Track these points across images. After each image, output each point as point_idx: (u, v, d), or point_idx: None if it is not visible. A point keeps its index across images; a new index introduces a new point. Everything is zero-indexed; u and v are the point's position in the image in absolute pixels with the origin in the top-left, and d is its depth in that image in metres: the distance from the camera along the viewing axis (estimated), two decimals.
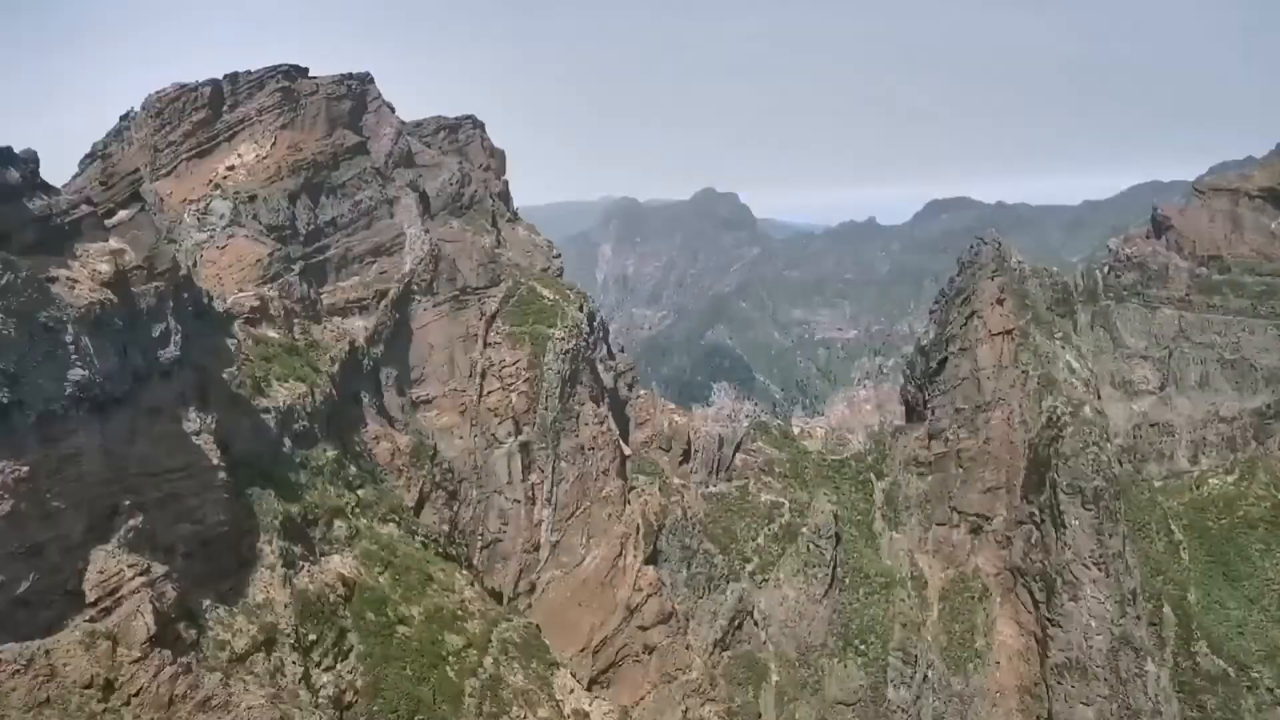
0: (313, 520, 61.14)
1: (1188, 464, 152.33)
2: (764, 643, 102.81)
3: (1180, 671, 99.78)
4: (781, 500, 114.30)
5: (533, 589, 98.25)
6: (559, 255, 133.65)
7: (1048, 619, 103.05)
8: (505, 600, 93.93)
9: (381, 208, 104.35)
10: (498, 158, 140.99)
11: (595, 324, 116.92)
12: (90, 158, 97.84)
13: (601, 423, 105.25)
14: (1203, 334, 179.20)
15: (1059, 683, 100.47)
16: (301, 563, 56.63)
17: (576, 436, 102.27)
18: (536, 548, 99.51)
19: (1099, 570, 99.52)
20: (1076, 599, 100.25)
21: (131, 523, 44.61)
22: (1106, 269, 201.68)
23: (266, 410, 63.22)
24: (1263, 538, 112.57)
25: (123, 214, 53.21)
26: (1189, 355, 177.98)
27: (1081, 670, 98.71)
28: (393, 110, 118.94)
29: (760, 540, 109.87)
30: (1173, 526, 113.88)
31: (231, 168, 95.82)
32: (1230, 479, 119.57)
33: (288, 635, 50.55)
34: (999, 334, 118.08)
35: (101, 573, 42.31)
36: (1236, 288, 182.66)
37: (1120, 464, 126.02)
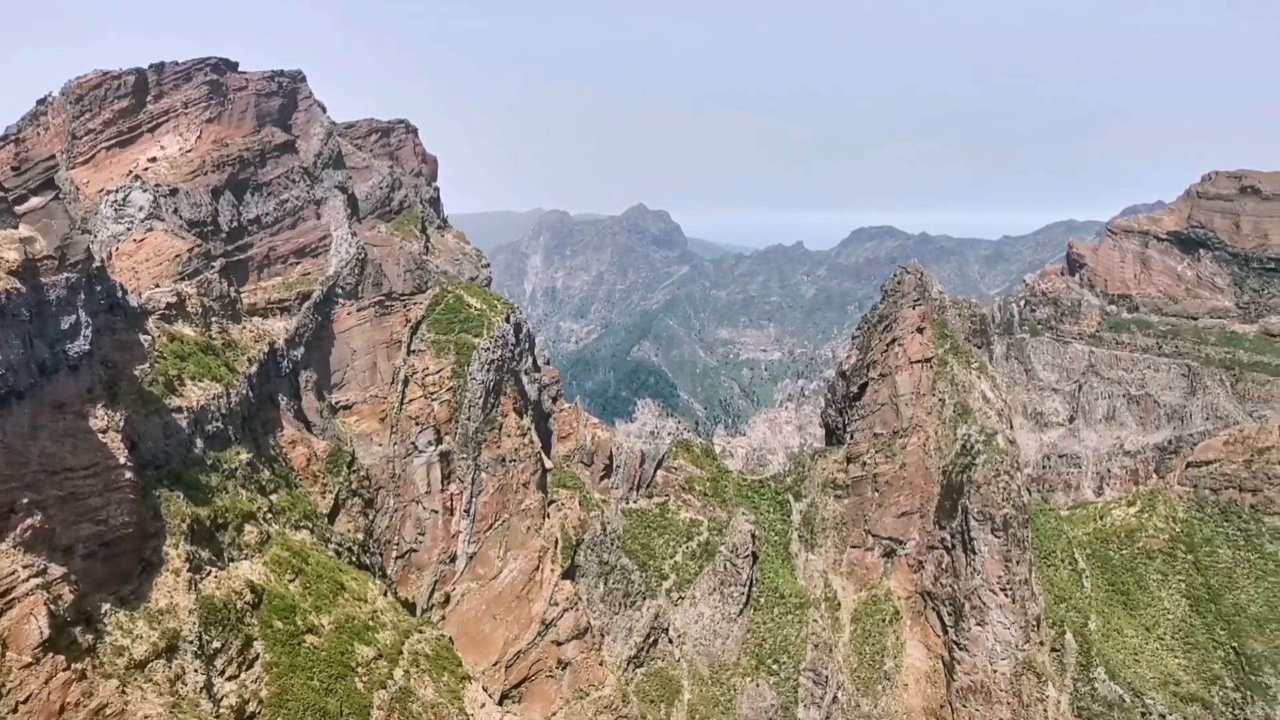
0: (222, 524, 59.47)
1: (1093, 494, 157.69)
2: (678, 660, 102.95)
3: (1079, 697, 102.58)
4: (701, 518, 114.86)
5: (447, 600, 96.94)
6: (488, 265, 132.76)
7: (955, 642, 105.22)
8: (419, 611, 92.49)
9: (308, 208, 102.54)
10: (430, 164, 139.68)
11: (522, 335, 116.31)
12: (2, 141, 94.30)
13: (524, 434, 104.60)
14: (1111, 369, 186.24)
15: (963, 705, 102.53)
16: (208, 568, 55.01)
17: (498, 447, 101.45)
18: (453, 559, 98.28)
19: (1005, 596, 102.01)
20: (983, 624, 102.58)
21: (29, 521, 42.85)
22: (1023, 303, 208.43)
23: (179, 410, 61.42)
24: (1160, 568, 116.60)
25: (35, 201, 51.29)
26: (1097, 390, 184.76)
27: (986, 693, 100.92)
28: (324, 110, 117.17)
29: (678, 558, 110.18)
30: (1076, 555, 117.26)
31: (153, 159, 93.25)
32: (1132, 510, 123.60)
33: (190, 642, 49.00)
34: (918, 361, 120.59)
35: None
36: (1144, 326, 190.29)
37: (1029, 493, 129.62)
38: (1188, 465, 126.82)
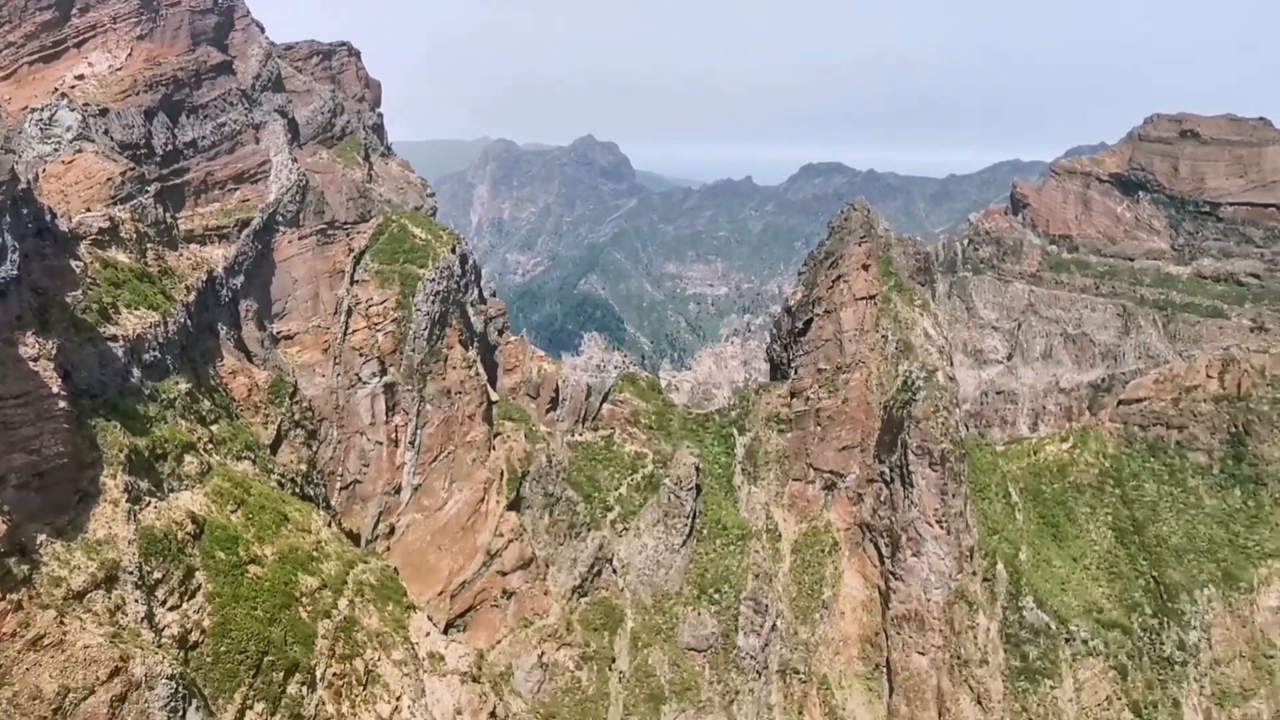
0: (161, 455, 58.61)
1: (1028, 430, 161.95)
2: (621, 590, 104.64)
3: (1008, 624, 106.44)
4: (645, 451, 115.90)
5: (392, 531, 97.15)
6: (433, 194, 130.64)
7: (891, 572, 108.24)
8: (363, 542, 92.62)
9: (246, 132, 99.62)
10: (373, 89, 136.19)
11: (468, 267, 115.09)
12: None
13: (470, 366, 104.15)
14: (1049, 309, 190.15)
15: (897, 633, 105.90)
16: (148, 498, 54.31)
17: (443, 379, 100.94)
18: (397, 490, 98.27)
19: (941, 528, 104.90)
20: (919, 554, 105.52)
21: None
22: (966, 241, 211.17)
23: (114, 339, 59.97)
24: (1089, 501, 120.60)
25: None
26: (1035, 328, 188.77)
27: (919, 621, 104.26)
28: (262, 30, 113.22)
29: (623, 490, 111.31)
30: (1010, 489, 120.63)
31: (81, 77, 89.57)
32: (1064, 446, 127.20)
33: (130, 573, 48.56)
34: (863, 298, 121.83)
35: None
36: (1082, 266, 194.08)
37: (967, 428, 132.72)
38: (1119, 403, 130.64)
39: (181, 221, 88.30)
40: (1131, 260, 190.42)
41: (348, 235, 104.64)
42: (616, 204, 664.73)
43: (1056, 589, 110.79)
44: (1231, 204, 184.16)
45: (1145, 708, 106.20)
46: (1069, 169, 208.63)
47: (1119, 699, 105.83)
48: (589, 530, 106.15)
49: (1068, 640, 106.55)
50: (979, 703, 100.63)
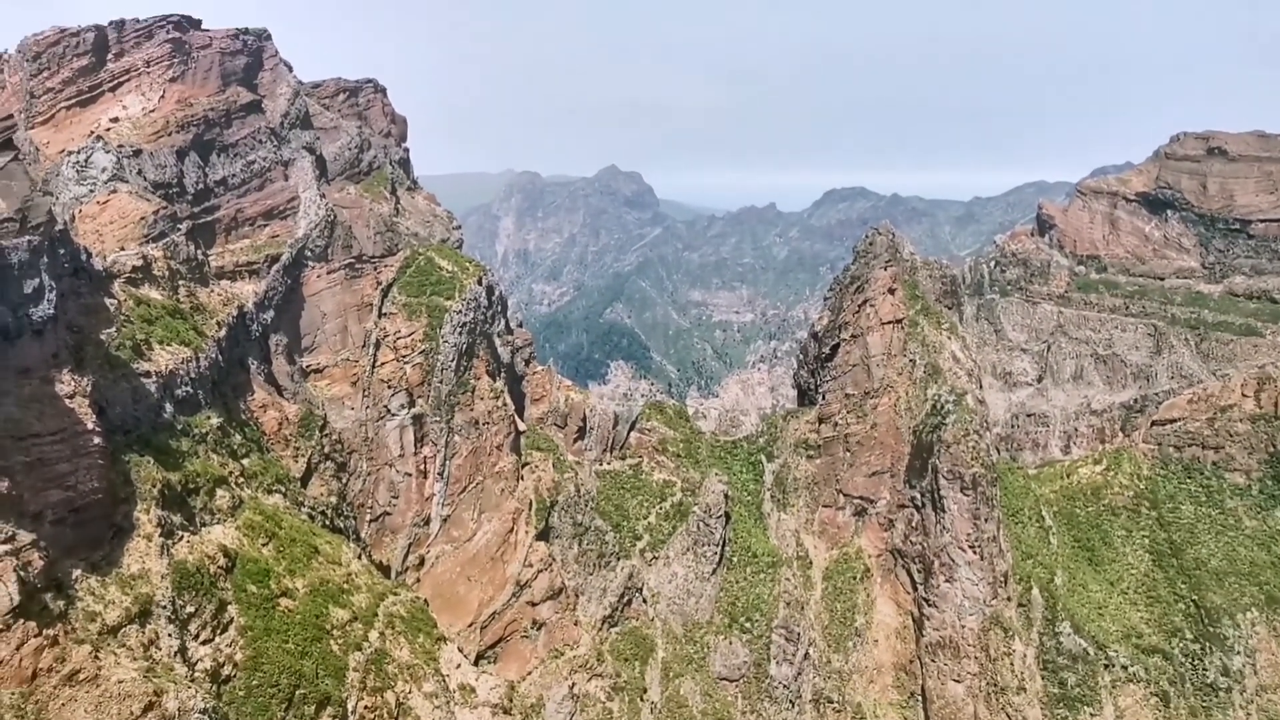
0: (194, 489, 59.15)
1: (1060, 453, 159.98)
2: (652, 619, 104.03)
3: (1045, 650, 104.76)
4: (674, 479, 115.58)
5: (421, 563, 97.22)
6: (459, 226, 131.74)
7: (924, 599, 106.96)
8: (393, 574, 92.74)
9: (275, 169, 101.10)
10: (399, 124, 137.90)
11: (494, 298, 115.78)
12: None
13: (497, 397, 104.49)
14: (1079, 329, 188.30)
15: (932, 660, 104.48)
16: (180, 532, 54.76)
17: (471, 410, 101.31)
18: (427, 521, 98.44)
19: (974, 553, 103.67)
20: (952, 580, 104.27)
21: None
22: (993, 263, 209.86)
23: (147, 374, 60.77)
24: (1125, 524, 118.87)
25: None
26: (1065, 350, 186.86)
27: (954, 648, 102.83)
28: (290, 69, 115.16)
29: (651, 518, 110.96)
30: (1044, 512, 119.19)
31: (115, 119, 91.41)
32: (1098, 468, 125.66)
33: (164, 607, 48.90)
34: (889, 322, 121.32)
35: None
36: (1111, 287, 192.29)
37: (998, 451, 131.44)
38: (1152, 424, 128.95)
39: (213, 258, 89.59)
40: (1161, 279, 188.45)
41: (375, 269, 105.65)
42: (641, 233, 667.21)
43: (1094, 614, 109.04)
44: (1262, 220, 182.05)
45: None
46: (1095, 189, 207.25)
47: None
48: (618, 559, 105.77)
49: (1107, 666, 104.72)
50: None
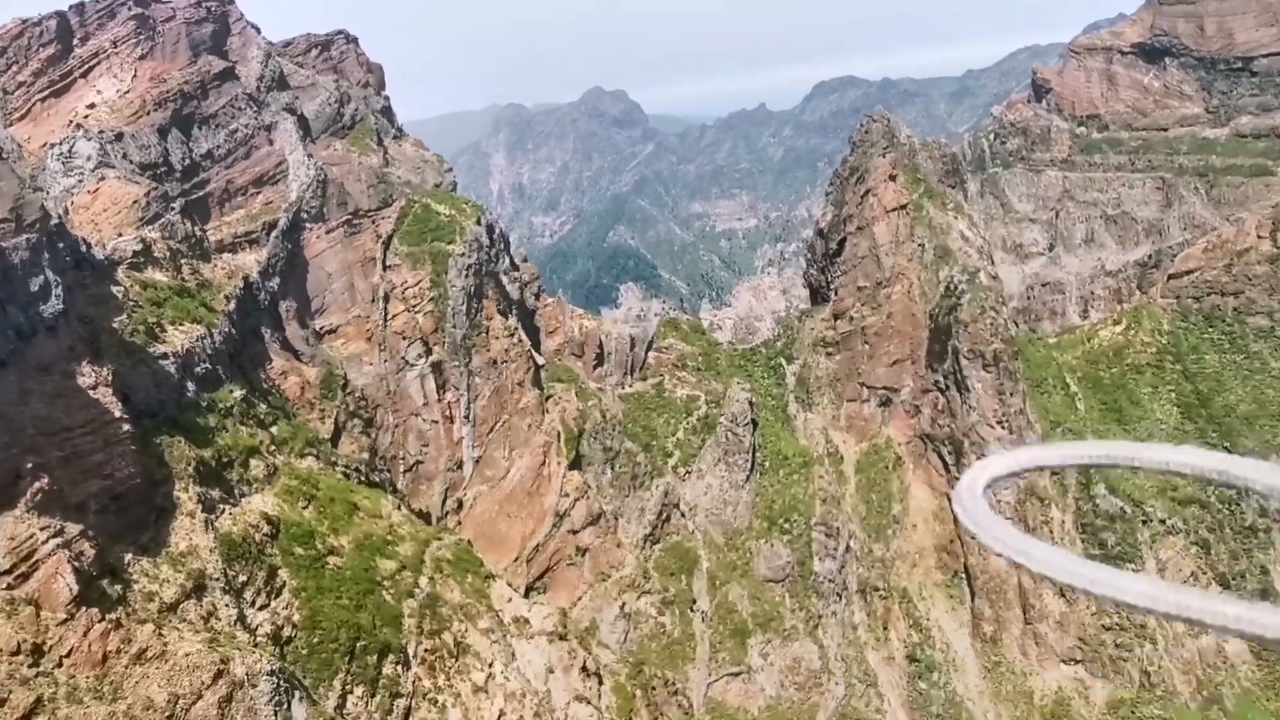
0: (227, 462, 60.04)
1: (1079, 319, 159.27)
2: (692, 532, 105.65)
3: (1082, 514, 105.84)
4: (697, 393, 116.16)
5: (460, 506, 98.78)
6: (450, 169, 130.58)
7: (958, 479, 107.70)
8: (434, 520, 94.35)
9: (259, 135, 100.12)
10: (376, 73, 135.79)
11: (495, 236, 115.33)
12: None
13: (511, 335, 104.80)
14: (1086, 192, 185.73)
15: (971, 538, 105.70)
16: (221, 506, 55.78)
17: (488, 351, 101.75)
18: (460, 465, 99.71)
19: (1002, 428, 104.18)
20: (984, 457, 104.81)
21: (36, 485, 43.15)
22: (992, 136, 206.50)
23: (164, 356, 61.22)
24: (1150, 381, 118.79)
25: None
26: (1074, 214, 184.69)
27: None
28: (258, 31, 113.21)
29: (680, 434, 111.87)
30: (1068, 379, 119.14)
31: (92, 105, 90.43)
32: (1118, 329, 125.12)
33: (216, 579, 50.08)
34: (894, 210, 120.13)
35: (12, 539, 41.04)
36: (1115, 144, 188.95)
37: (1016, 325, 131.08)
38: (1169, 278, 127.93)
39: (210, 232, 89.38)
40: (1165, 130, 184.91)
41: (373, 222, 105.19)
42: (633, 151, 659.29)
43: (1127, 473, 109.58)
44: (1265, 56, 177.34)
45: (1233, 579, 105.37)
46: (1089, 46, 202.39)
47: (1204, 573, 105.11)
48: (652, 479, 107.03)
49: (1145, 522, 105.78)
50: (1062, 595, 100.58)
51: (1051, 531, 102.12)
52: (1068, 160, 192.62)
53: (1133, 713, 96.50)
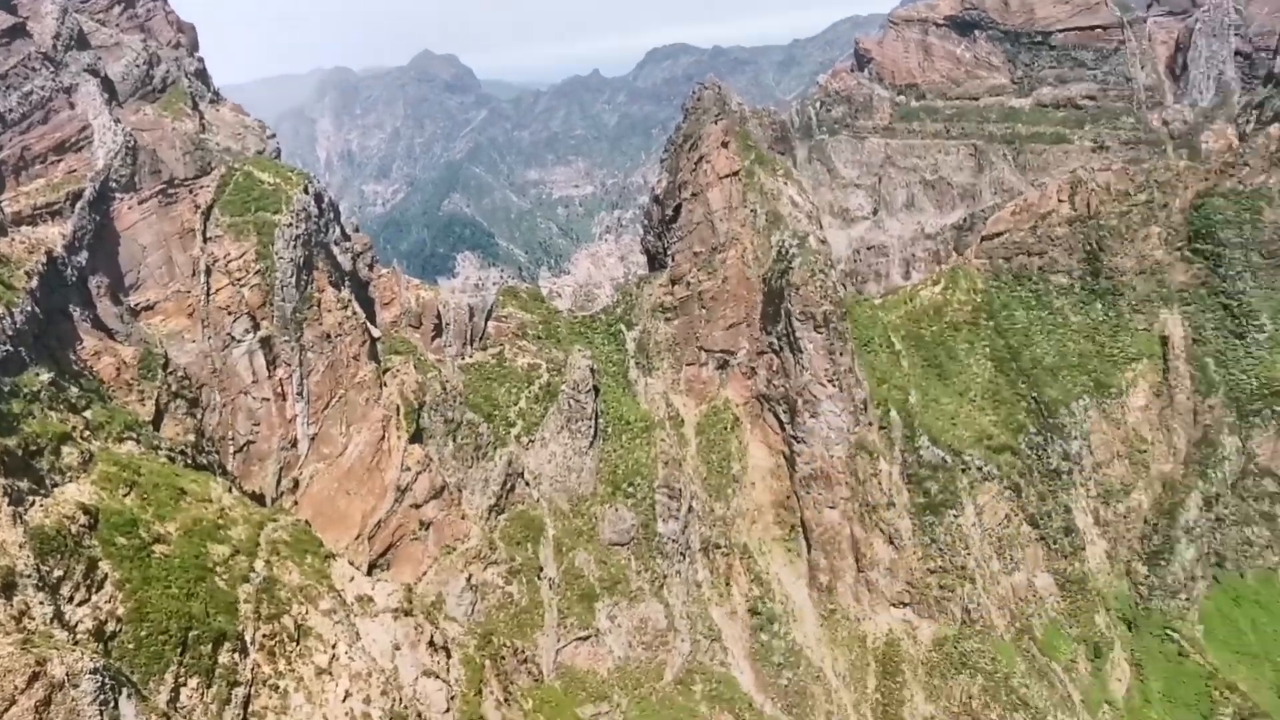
0: (36, 451, 55.94)
1: (901, 280, 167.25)
2: (537, 500, 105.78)
3: (907, 465, 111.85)
4: (538, 361, 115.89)
5: (296, 486, 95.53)
6: (273, 135, 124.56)
7: (793, 437, 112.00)
8: (269, 501, 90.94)
9: (58, 97, 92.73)
10: (187, 32, 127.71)
11: (324, 205, 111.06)
12: None
13: (345, 307, 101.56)
14: (906, 159, 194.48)
15: (807, 492, 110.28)
16: (31, 497, 51.98)
17: (320, 325, 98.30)
18: (294, 444, 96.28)
19: (834, 386, 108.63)
20: (816, 415, 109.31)
21: None
22: (818, 104, 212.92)
23: None
24: (967, 337, 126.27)
25: None
26: (895, 180, 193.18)
27: (826, 478, 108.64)
28: None
29: (522, 403, 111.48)
30: (893, 338, 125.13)
31: None
32: (937, 289, 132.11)
33: (28, 576, 46.72)
34: (727, 176, 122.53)
35: None
36: (931, 113, 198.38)
37: (844, 287, 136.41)
38: (982, 239, 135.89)
39: (5, 204, 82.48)
40: (976, 100, 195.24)
41: (191, 192, 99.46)
42: (466, 118, 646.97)
43: (948, 425, 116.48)
44: (1061, 30, 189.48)
45: (1040, 518, 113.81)
46: (906, 18, 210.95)
47: (1016, 515, 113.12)
48: (495, 449, 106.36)
49: (964, 470, 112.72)
50: (891, 543, 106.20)
51: (880, 483, 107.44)
52: (889, 128, 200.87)
53: (956, 648, 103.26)
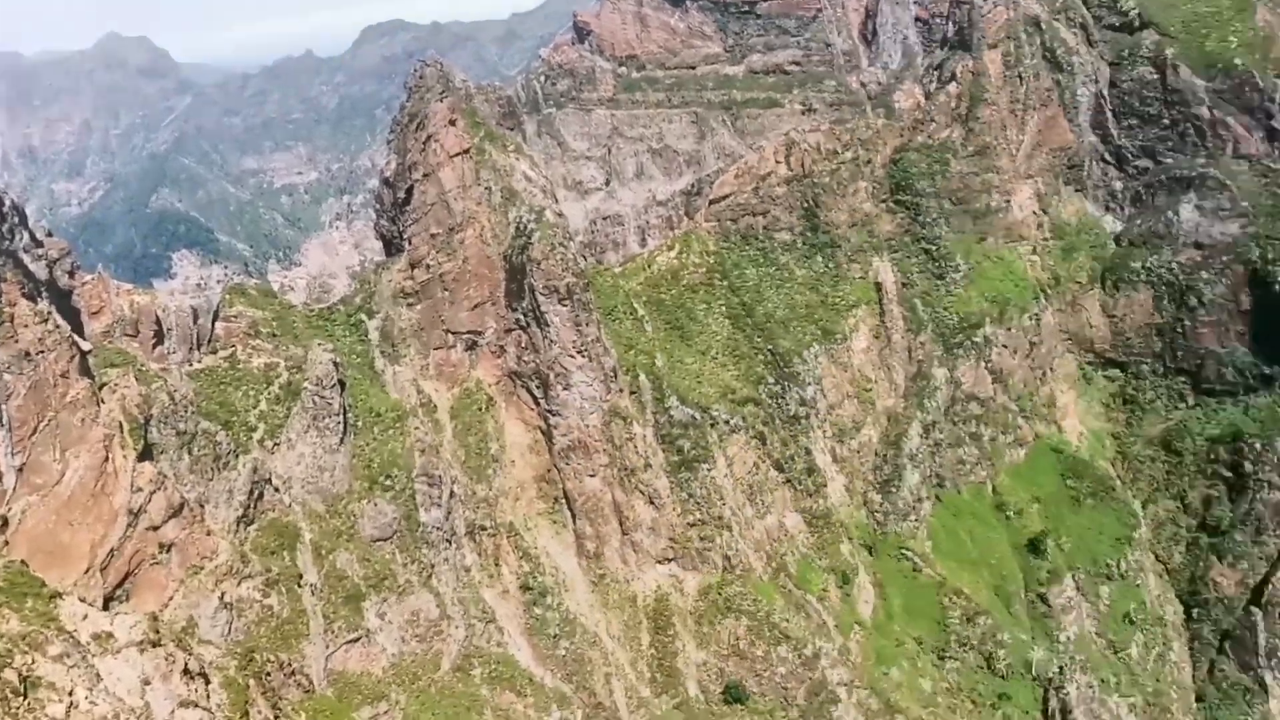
0: None
1: (638, 247, 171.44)
2: (289, 505, 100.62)
3: (660, 426, 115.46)
4: (276, 360, 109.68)
5: (5, 524, 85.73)
6: None
7: (548, 411, 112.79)
8: None
9: None
10: None
11: (6, 209, 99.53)
12: None
13: (44, 321, 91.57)
14: (632, 129, 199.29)
15: (566, 463, 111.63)
16: None
17: (16, 343, 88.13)
18: None
19: (583, 357, 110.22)
20: (569, 386, 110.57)
21: None
22: (543, 78, 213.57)
23: None
24: (704, 298, 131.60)
25: None
26: (624, 150, 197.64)
27: (584, 448, 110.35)
28: None
29: (263, 406, 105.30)
30: (635, 304, 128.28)
31: None
32: (673, 254, 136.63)
33: None
34: (457, 154, 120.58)
35: None
36: (652, 83, 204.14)
37: (585, 258, 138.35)
38: (710, 203, 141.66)
39: None
40: (694, 69, 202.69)
41: None
42: (168, 105, 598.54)
43: (694, 383, 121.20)
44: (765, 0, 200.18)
45: (785, 462, 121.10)
46: None
47: (764, 461, 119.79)
48: (237, 457, 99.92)
49: (713, 425, 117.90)
50: (651, 503, 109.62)
51: (636, 447, 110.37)
52: (614, 99, 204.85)
53: (720, 594, 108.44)
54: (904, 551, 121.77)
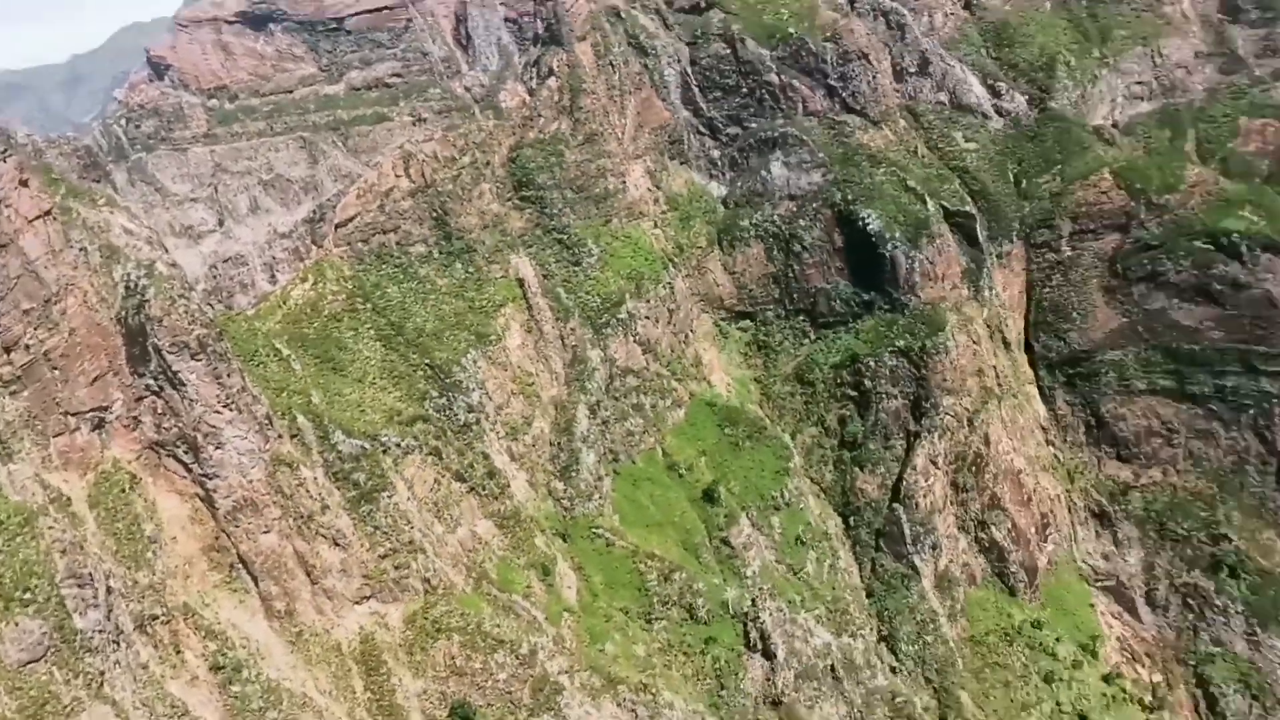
0: None
1: (269, 285, 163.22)
2: None
3: (330, 464, 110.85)
4: None
5: None
6: None
7: (203, 475, 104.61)
8: None
9: None
10: None
11: None
12: None
13: None
14: (237, 163, 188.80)
15: (236, 525, 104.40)
16: None
17: None
18: None
19: (231, 411, 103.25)
20: (221, 445, 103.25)
21: None
22: (124, 121, 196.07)
23: None
24: (350, 325, 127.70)
25: None
26: (232, 186, 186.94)
27: (252, 505, 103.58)
28: None
29: None
30: (277, 345, 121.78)
31: None
32: (308, 286, 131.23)
33: None
34: (37, 218, 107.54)
35: None
36: (249, 112, 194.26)
37: (211, 306, 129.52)
38: (336, 227, 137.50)
39: None
40: (291, 92, 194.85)
41: None
42: None
43: (357, 413, 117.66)
44: (351, 15, 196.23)
45: (465, 471, 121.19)
46: (194, 19, 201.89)
47: (444, 476, 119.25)
48: None
49: (385, 451, 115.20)
50: (336, 544, 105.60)
51: (309, 491, 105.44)
52: (210, 134, 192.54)
53: (426, 618, 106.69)
54: (594, 530, 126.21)
